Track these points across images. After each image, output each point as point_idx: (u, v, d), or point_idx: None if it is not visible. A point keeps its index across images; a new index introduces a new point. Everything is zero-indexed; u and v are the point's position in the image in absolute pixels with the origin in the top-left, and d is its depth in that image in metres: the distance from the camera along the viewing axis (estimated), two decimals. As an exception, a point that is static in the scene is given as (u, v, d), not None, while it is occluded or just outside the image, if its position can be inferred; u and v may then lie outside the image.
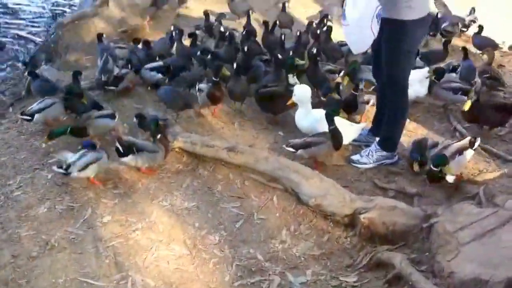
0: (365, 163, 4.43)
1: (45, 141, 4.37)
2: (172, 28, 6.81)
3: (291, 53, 6.08)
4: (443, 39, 7.22)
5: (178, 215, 3.70)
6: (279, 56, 5.70)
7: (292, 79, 5.26)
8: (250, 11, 7.43)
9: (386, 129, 4.41)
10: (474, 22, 8.25)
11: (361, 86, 5.34)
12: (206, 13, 7.53)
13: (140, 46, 6.38)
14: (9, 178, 4.13)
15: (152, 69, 5.68)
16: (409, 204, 3.79)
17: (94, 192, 3.90)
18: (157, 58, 6.09)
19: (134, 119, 4.55)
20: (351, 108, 5.02)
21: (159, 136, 4.12)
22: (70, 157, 3.90)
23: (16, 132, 4.93)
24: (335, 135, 4.18)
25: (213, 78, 4.99)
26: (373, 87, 5.45)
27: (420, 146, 4.18)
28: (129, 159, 4.03)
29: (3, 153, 4.53)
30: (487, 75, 5.70)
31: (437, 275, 2.83)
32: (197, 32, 6.98)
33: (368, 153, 4.45)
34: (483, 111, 4.69)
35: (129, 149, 4.01)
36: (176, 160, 4.34)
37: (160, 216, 3.67)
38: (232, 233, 3.57)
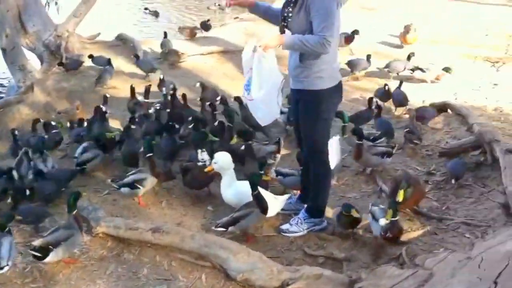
0: (295, 232, 4.42)
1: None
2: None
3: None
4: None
5: (100, 306, 3.53)
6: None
7: (201, 155, 5.20)
8: (172, 90, 7.18)
9: (312, 196, 4.45)
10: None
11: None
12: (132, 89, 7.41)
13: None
14: None
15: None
16: (339, 269, 3.81)
17: (11, 288, 3.69)
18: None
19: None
20: None
21: (75, 211, 3.97)
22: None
23: None
24: (259, 200, 4.17)
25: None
26: None
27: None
28: (50, 258, 3.81)
29: None
30: (407, 129, 5.91)
31: None
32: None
33: (297, 221, 4.45)
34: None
35: (45, 249, 3.79)
36: (100, 246, 4.19)
37: (81, 309, 3.49)
38: (158, 320, 3.43)
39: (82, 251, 4.09)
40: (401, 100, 7.05)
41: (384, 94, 7.12)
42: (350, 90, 7.93)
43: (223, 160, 4.61)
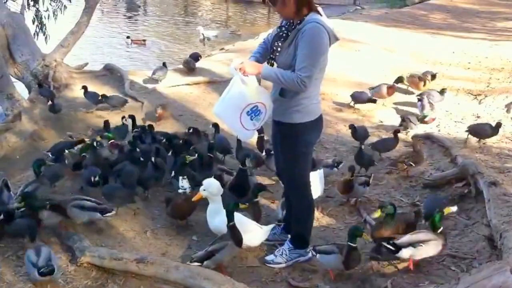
0: (280, 263, 4.42)
1: None
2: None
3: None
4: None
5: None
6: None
7: (181, 182, 5.19)
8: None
9: (295, 227, 4.46)
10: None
11: (248, 163, 5.36)
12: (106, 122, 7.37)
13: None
14: None
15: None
16: (323, 301, 3.81)
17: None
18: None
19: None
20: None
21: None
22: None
23: None
24: (233, 232, 4.14)
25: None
26: None
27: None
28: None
29: None
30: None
31: None
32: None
33: (282, 252, 4.46)
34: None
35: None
36: (84, 276, 4.14)
37: None
38: None
39: (66, 280, 4.03)
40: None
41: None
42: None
43: (212, 186, 4.52)
